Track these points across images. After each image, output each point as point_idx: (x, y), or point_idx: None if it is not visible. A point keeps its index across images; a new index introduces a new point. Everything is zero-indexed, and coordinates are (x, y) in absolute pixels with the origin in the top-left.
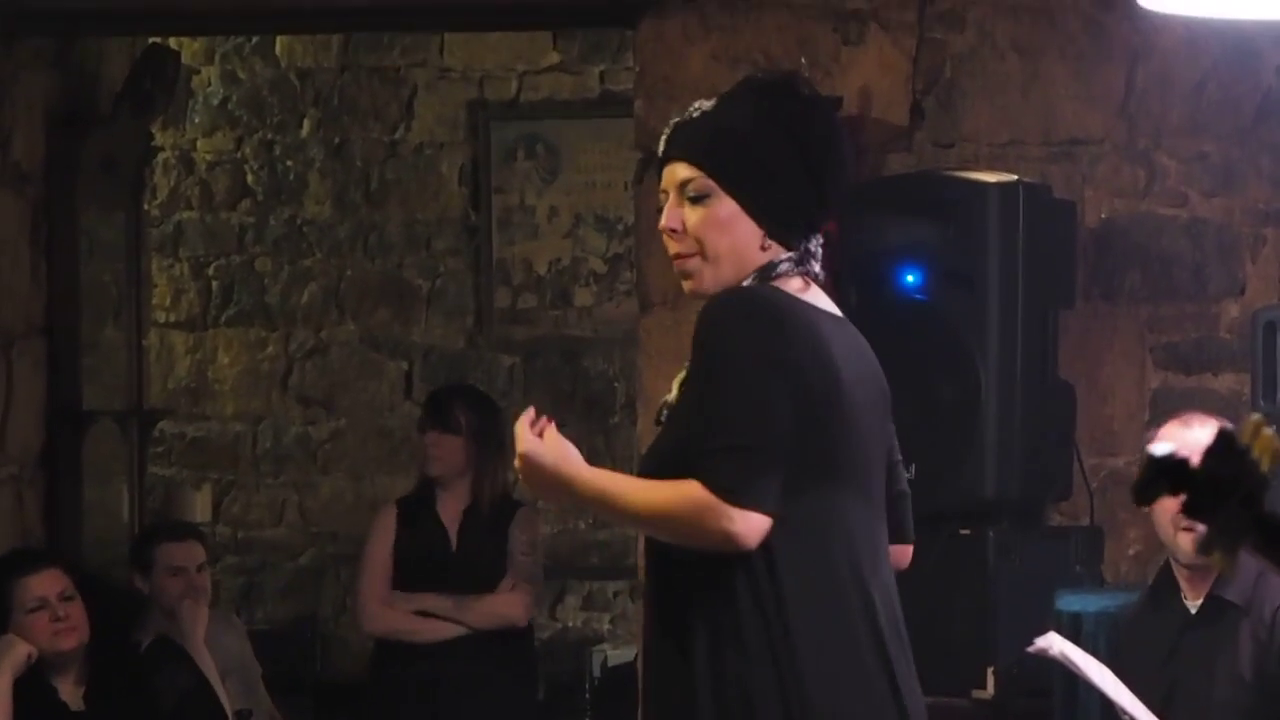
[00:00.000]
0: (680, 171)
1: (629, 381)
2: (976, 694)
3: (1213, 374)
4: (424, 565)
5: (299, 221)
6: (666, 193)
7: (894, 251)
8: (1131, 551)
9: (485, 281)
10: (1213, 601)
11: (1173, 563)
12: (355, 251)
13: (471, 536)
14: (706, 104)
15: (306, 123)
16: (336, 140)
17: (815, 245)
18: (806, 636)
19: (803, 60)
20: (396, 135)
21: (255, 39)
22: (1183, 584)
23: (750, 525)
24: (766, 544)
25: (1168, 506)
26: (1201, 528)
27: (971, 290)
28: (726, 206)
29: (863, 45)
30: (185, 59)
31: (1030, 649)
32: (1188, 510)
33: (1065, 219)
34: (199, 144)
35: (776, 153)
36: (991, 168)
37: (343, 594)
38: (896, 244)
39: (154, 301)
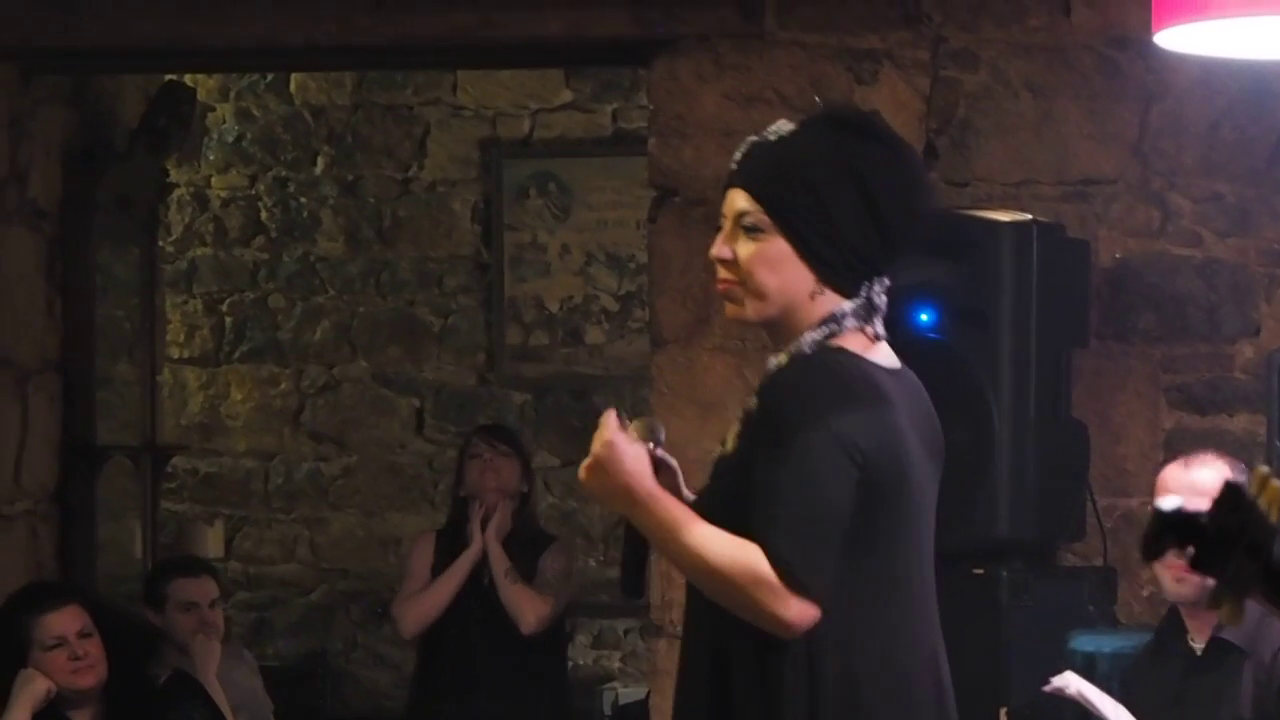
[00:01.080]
0: (739, 201)
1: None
2: None
3: (1227, 415)
4: (460, 597)
5: (312, 259)
6: (725, 217)
7: (907, 290)
8: (1145, 592)
9: (496, 319)
10: (1215, 644)
11: (1179, 605)
12: (367, 289)
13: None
14: (786, 127)
15: (320, 160)
16: (349, 178)
17: (879, 294)
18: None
19: (816, 99)
20: (409, 173)
21: (270, 77)
22: (1189, 626)
23: (803, 614)
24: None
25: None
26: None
27: (985, 329)
28: (778, 246)
29: (876, 84)
30: (200, 96)
31: (1047, 688)
32: (1195, 563)
33: (1079, 258)
34: (213, 181)
35: (840, 197)
36: (1005, 207)
37: (354, 630)
38: (910, 282)
39: (167, 338)
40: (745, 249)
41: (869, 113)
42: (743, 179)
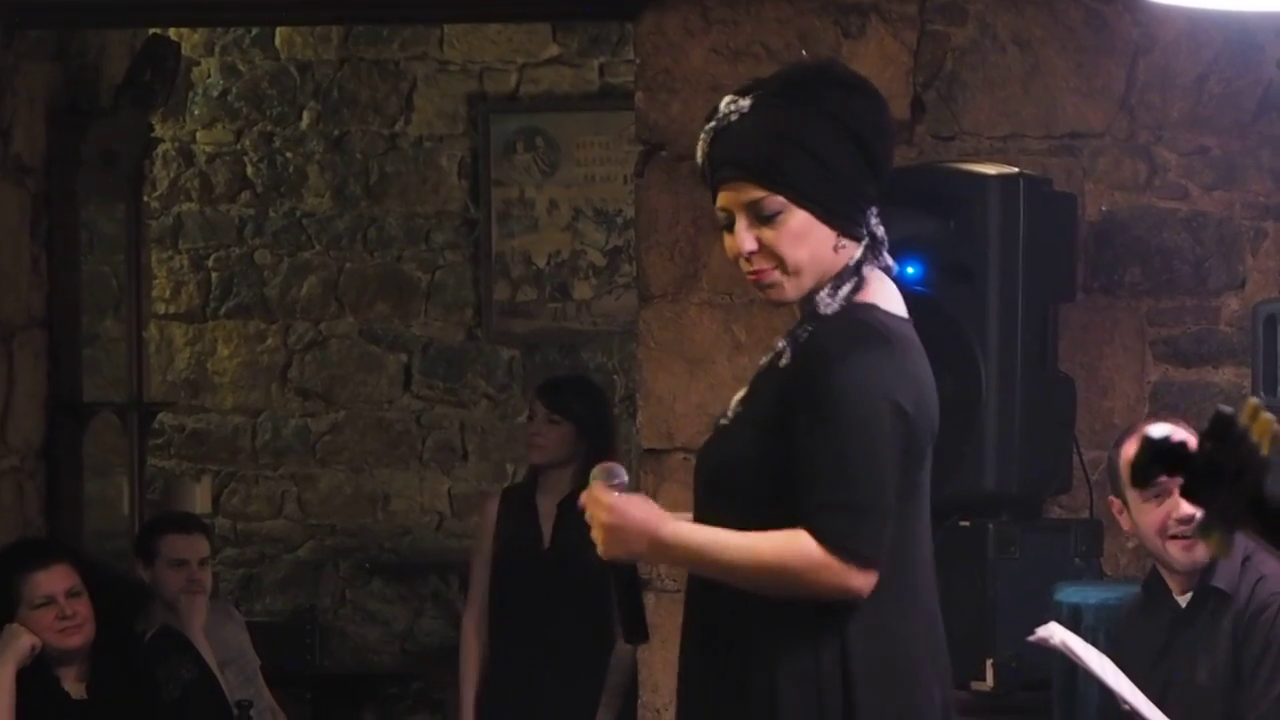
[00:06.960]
0: (747, 192)
1: (628, 375)
2: (976, 686)
3: (1213, 367)
4: (515, 562)
5: (298, 214)
6: (728, 211)
7: (894, 244)
8: (1131, 544)
9: (484, 275)
10: (1203, 592)
11: (1159, 567)
12: (355, 245)
13: (565, 532)
14: (743, 104)
15: (306, 115)
16: (336, 133)
17: (875, 223)
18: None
19: (803, 53)
20: (396, 128)
21: (255, 31)
22: (1169, 583)
23: (866, 582)
24: None
25: (1153, 520)
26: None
27: (972, 283)
28: (799, 218)
29: (863, 38)
30: (185, 51)
31: (1030, 638)
32: (1186, 492)
33: (1066, 212)
34: (199, 136)
35: (835, 150)
36: (992, 161)
37: (342, 586)
38: (897, 236)
39: (154, 294)
40: (769, 234)
41: (825, 61)
42: (735, 170)
